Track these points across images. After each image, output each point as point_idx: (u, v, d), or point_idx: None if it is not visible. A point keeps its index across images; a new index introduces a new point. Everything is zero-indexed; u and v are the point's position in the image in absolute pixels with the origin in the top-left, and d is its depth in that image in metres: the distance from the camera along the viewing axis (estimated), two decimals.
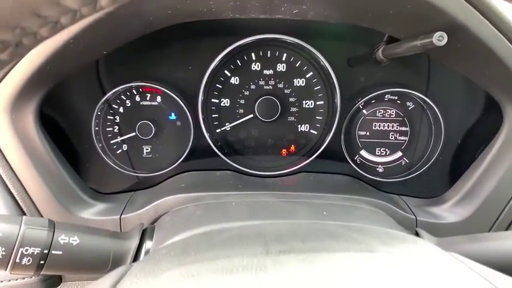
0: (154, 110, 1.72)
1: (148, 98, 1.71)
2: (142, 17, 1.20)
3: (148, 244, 1.10)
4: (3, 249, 0.92)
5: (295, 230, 0.77)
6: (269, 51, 1.72)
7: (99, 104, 1.63)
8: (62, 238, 0.98)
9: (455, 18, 1.06)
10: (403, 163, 1.80)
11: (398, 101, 1.75)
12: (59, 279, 1.40)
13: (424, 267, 0.66)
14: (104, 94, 1.63)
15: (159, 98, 1.71)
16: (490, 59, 1.16)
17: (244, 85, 1.74)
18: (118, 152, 1.73)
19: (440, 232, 1.38)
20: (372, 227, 0.86)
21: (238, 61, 1.72)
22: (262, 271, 0.60)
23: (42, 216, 1.34)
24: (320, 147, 1.75)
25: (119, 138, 1.72)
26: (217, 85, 1.73)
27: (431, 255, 0.72)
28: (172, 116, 1.73)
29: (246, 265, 0.61)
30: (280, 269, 0.60)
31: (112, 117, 1.70)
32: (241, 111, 1.76)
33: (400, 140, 1.79)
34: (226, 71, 1.72)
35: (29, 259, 0.94)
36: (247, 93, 1.75)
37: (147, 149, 1.75)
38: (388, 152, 1.80)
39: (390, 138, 1.79)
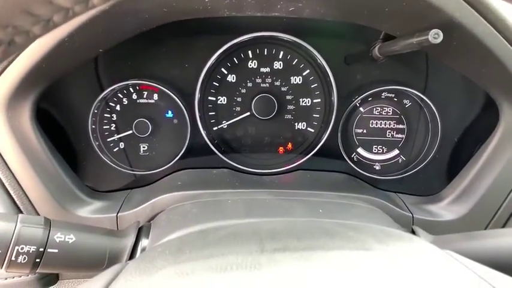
0: (151, 108, 1.71)
1: (145, 96, 1.71)
2: (137, 15, 1.20)
3: (144, 242, 1.10)
4: None
5: (290, 228, 0.77)
6: (266, 49, 1.72)
7: (96, 102, 1.63)
8: (58, 236, 0.98)
9: (451, 16, 1.06)
10: (400, 161, 1.80)
11: (395, 99, 1.75)
12: (56, 277, 1.39)
13: (419, 265, 0.66)
14: (101, 92, 1.63)
15: (155, 96, 1.71)
16: (486, 57, 1.16)
17: (241, 83, 1.74)
18: (115, 150, 1.73)
19: (437, 230, 1.38)
20: (368, 225, 0.87)
21: (235, 59, 1.72)
22: (257, 269, 0.60)
23: (38, 215, 1.34)
24: (317, 145, 1.75)
25: (116, 136, 1.72)
26: (214, 83, 1.73)
27: (426, 254, 0.72)
28: (169, 114, 1.73)
29: (240, 263, 0.61)
30: (274, 267, 0.61)
31: (109, 115, 1.70)
32: (238, 109, 1.76)
33: (397, 137, 1.79)
34: (223, 69, 1.72)
35: (25, 257, 0.94)
36: (244, 91, 1.74)
37: (144, 147, 1.75)
38: (385, 150, 1.81)
39: (387, 136, 1.79)
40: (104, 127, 1.71)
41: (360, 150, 1.80)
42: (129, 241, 1.08)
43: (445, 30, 1.03)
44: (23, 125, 1.30)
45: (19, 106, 1.28)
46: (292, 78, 1.74)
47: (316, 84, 1.74)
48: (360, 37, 1.62)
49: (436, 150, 1.70)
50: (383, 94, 1.74)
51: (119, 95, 1.69)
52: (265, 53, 1.72)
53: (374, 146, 1.80)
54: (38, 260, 0.95)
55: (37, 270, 0.97)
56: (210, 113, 1.76)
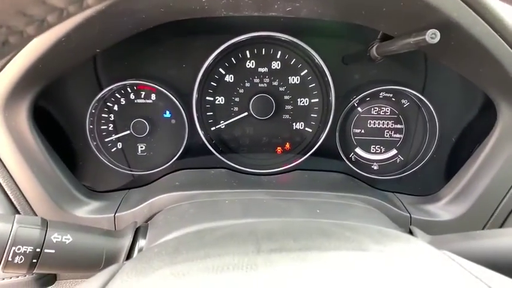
0: (149, 108, 1.71)
1: (142, 96, 1.70)
2: (134, 15, 1.20)
3: (141, 242, 1.10)
4: None
5: (287, 228, 0.77)
6: (263, 49, 1.72)
7: (94, 102, 1.63)
8: (55, 237, 0.98)
9: (449, 16, 1.06)
10: (398, 161, 1.80)
11: (393, 99, 1.75)
12: (54, 278, 1.39)
13: (416, 265, 0.66)
14: (98, 92, 1.63)
15: (153, 96, 1.71)
16: (483, 56, 1.16)
17: (239, 83, 1.74)
18: (113, 150, 1.73)
19: (435, 230, 1.38)
20: (365, 225, 0.86)
21: (232, 59, 1.72)
22: (253, 270, 0.60)
23: (36, 215, 1.34)
24: (315, 145, 1.75)
25: (114, 137, 1.71)
26: (211, 83, 1.73)
27: (423, 254, 0.72)
28: (167, 114, 1.73)
29: (236, 264, 0.61)
30: (271, 268, 0.60)
31: (106, 115, 1.70)
32: (236, 109, 1.76)
33: (395, 137, 1.79)
34: (220, 69, 1.72)
35: (21, 258, 0.93)
36: (241, 91, 1.74)
37: (141, 147, 1.75)
38: (383, 150, 1.81)
39: (385, 135, 1.79)
40: (102, 127, 1.70)
41: (358, 150, 1.80)
42: (126, 241, 1.08)
43: (442, 30, 1.03)
44: (20, 125, 1.30)
45: (16, 106, 1.28)
46: (290, 78, 1.74)
47: (314, 84, 1.74)
48: (357, 37, 1.62)
49: (434, 150, 1.70)
50: (381, 94, 1.74)
51: (117, 95, 1.69)
52: (263, 53, 1.72)
53: (372, 146, 1.80)
54: (34, 261, 0.95)
55: (34, 271, 0.97)
56: (207, 113, 1.76)
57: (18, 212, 1.33)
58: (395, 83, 1.68)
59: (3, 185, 1.31)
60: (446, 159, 1.72)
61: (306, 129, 1.79)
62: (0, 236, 0.93)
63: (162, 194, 1.39)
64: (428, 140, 1.74)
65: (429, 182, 1.69)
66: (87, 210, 1.42)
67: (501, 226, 1.39)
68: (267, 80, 1.73)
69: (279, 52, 1.72)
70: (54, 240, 0.97)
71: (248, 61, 1.72)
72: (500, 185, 1.37)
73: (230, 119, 1.75)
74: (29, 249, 0.94)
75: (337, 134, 1.74)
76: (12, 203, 1.33)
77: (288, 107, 1.76)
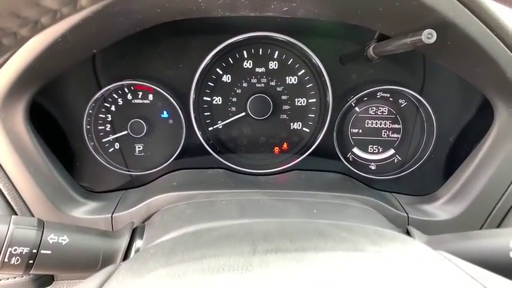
0: (146, 108, 1.71)
1: (140, 96, 1.70)
2: (131, 15, 1.20)
3: (138, 243, 1.10)
4: None
5: (283, 228, 0.77)
6: (261, 49, 1.72)
7: (91, 102, 1.63)
8: (51, 237, 0.97)
9: (445, 16, 1.06)
10: (395, 160, 1.80)
11: (390, 99, 1.75)
12: (51, 278, 1.39)
13: (412, 266, 0.66)
14: (95, 92, 1.63)
15: (150, 96, 1.71)
16: (480, 56, 1.16)
17: (236, 83, 1.74)
18: (110, 150, 1.73)
19: (432, 230, 1.38)
20: (362, 226, 0.86)
21: (230, 59, 1.71)
22: (249, 271, 0.60)
23: (33, 216, 1.34)
24: (312, 145, 1.75)
25: (111, 137, 1.71)
26: (209, 83, 1.73)
27: (419, 255, 0.72)
28: (164, 114, 1.73)
29: (232, 264, 0.61)
30: (266, 269, 0.60)
31: (104, 116, 1.70)
32: (233, 109, 1.76)
33: (393, 137, 1.79)
34: (218, 69, 1.72)
35: (18, 259, 0.93)
36: (239, 91, 1.74)
37: (139, 147, 1.75)
38: (380, 150, 1.81)
39: (383, 135, 1.79)
40: (99, 127, 1.70)
41: (356, 150, 1.80)
42: (123, 242, 1.08)
43: (438, 30, 1.03)
44: (16, 126, 1.30)
45: (12, 107, 1.28)
46: (287, 78, 1.74)
47: (311, 84, 1.74)
48: (354, 37, 1.62)
49: (431, 150, 1.71)
50: (378, 94, 1.74)
51: (114, 95, 1.68)
52: (260, 53, 1.72)
53: (369, 146, 1.80)
54: (31, 262, 0.95)
55: (31, 272, 0.97)
56: (205, 113, 1.76)
57: (15, 213, 1.33)
58: (392, 83, 1.68)
59: (0, 185, 1.31)
60: (443, 159, 1.72)
61: (304, 129, 1.79)
62: None
63: (160, 195, 1.39)
64: (425, 139, 1.74)
65: (427, 182, 1.70)
66: (84, 211, 1.42)
67: (498, 226, 1.39)
68: (265, 80, 1.74)
69: (276, 52, 1.72)
70: (51, 241, 0.97)
71: (245, 61, 1.72)
72: (498, 184, 1.37)
73: (228, 119, 1.75)
74: (26, 250, 0.94)
75: (334, 134, 1.74)
76: (9, 203, 1.32)
77: (286, 107, 1.76)
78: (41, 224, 0.99)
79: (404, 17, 1.15)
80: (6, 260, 0.92)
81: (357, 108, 1.76)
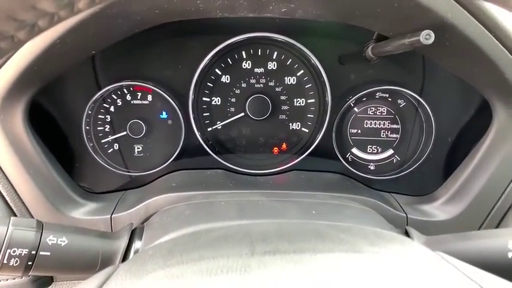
0: (145, 109, 1.71)
1: (139, 97, 1.70)
2: (129, 17, 1.20)
3: (137, 244, 1.10)
4: None
5: (282, 230, 0.77)
6: (260, 50, 1.72)
7: (90, 103, 1.63)
8: (50, 239, 0.97)
9: (443, 17, 1.06)
10: (394, 161, 1.81)
11: (389, 99, 1.75)
12: (50, 279, 1.39)
13: (409, 267, 0.66)
14: (95, 93, 1.63)
15: (149, 97, 1.71)
16: (478, 57, 1.16)
17: (235, 83, 1.74)
18: (109, 151, 1.73)
19: (431, 230, 1.38)
20: (360, 227, 0.86)
21: (228, 59, 1.72)
22: (247, 272, 0.60)
23: (32, 217, 1.34)
24: (311, 145, 1.75)
25: (110, 138, 1.71)
26: (208, 84, 1.73)
27: (417, 256, 0.72)
28: (163, 115, 1.73)
29: (230, 266, 0.61)
30: (264, 270, 0.60)
31: (103, 117, 1.70)
32: (232, 109, 1.76)
33: (392, 137, 1.79)
34: (217, 70, 1.72)
35: (17, 260, 0.93)
36: (238, 91, 1.74)
37: (138, 148, 1.75)
38: (379, 150, 1.81)
39: (382, 135, 1.79)
40: (98, 128, 1.70)
41: (355, 150, 1.80)
42: (122, 243, 1.07)
43: (436, 31, 1.03)
44: (15, 128, 1.30)
45: (11, 108, 1.28)
46: (286, 78, 1.74)
47: (310, 85, 1.74)
48: (353, 37, 1.61)
49: (430, 150, 1.71)
50: (377, 94, 1.74)
51: (113, 96, 1.69)
52: (259, 54, 1.72)
53: (368, 146, 1.80)
54: (30, 263, 0.95)
55: (30, 273, 0.97)
56: (204, 114, 1.76)
57: (14, 214, 1.33)
58: (391, 83, 1.68)
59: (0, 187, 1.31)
60: (442, 159, 1.73)
61: (303, 129, 1.79)
62: None
63: (159, 195, 1.39)
64: (424, 140, 1.74)
65: (425, 182, 1.70)
66: (83, 212, 1.42)
67: (497, 226, 1.39)
68: (263, 81, 1.74)
69: (275, 53, 1.72)
70: (50, 243, 0.97)
71: (244, 62, 1.72)
72: (496, 185, 1.37)
73: (226, 119, 1.75)
74: (24, 251, 0.94)
75: (333, 134, 1.75)
76: (8, 205, 1.32)
77: (285, 108, 1.76)
78: (40, 226, 0.98)
79: (403, 18, 1.15)
80: (5, 261, 0.92)
81: (355, 109, 1.76)
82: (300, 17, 1.33)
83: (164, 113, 1.73)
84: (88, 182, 1.66)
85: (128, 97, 1.70)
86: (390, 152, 1.80)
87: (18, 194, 1.33)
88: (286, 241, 0.70)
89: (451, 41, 1.14)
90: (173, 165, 1.72)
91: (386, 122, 1.77)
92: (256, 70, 1.73)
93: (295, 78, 1.74)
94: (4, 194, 1.32)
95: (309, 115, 1.78)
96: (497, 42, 1.13)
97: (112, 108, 1.70)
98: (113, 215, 1.40)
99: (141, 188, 1.65)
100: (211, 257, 0.65)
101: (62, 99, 1.61)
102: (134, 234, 1.13)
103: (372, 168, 1.82)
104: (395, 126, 1.78)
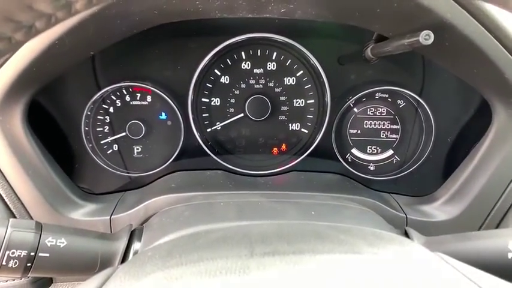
0: (145, 109, 1.71)
1: (138, 98, 1.70)
2: (128, 17, 1.20)
3: (136, 245, 1.10)
4: None
5: (281, 231, 0.77)
6: (259, 50, 1.71)
7: (89, 103, 1.63)
8: (49, 240, 0.97)
9: (442, 17, 1.06)
10: (394, 161, 1.80)
11: (389, 99, 1.75)
12: (50, 281, 1.39)
13: (409, 268, 0.66)
14: (94, 94, 1.62)
15: (149, 98, 1.70)
16: (478, 58, 1.16)
17: (235, 84, 1.74)
18: (108, 152, 1.73)
19: (431, 230, 1.38)
20: (360, 228, 0.86)
21: (228, 60, 1.71)
22: (246, 273, 0.60)
23: (32, 218, 1.34)
24: (311, 146, 1.75)
25: (109, 138, 1.71)
26: (207, 84, 1.73)
27: (416, 257, 0.72)
28: (163, 116, 1.73)
29: (229, 267, 0.61)
30: (263, 271, 0.60)
31: (102, 117, 1.70)
32: (232, 110, 1.75)
33: (391, 138, 1.79)
34: (216, 70, 1.72)
35: (16, 262, 0.93)
36: (237, 92, 1.74)
37: (137, 149, 1.75)
38: (379, 150, 1.81)
39: (381, 136, 1.79)
40: (97, 129, 1.70)
41: (354, 150, 1.80)
42: (121, 244, 1.07)
43: (436, 31, 1.03)
44: (14, 129, 1.30)
45: (10, 109, 1.28)
46: (285, 79, 1.74)
47: (309, 85, 1.74)
48: (353, 37, 1.62)
49: (430, 150, 1.70)
50: (377, 95, 1.74)
51: (112, 97, 1.68)
52: (259, 54, 1.72)
53: (368, 147, 1.80)
54: (29, 265, 0.95)
55: (29, 275, 0.96)
56: (203, 115, 1.76)
57: (13, 216, 1.33)
58: (391, 84, 1.68)
59: None
60: (442, 159, 1.73)
61: (302, 130, 1.79)
62: None
63: (158, 196, 1.39)
64: (424, 140, 1.74)
65: (425, 183, 1.69)
66: (83, 213, 1.42)
67: (497, 226, 1.39)
68: (263, 81, 1.73)
69: (275, 53, 1.72)
70: (49, 244, 0.97)
71: (243, 62, 1.72)
72: (496, 185, 1.37)
73: (226, 120, 1.75)
74: (23, 253, 0.94)
75: (333, 134, 1.74)
76: (7, 206, 1.32)
77: (284, 108, 1.76)
78: (39, 227, 0.98)
79: (402, 18, 1.15)
80: (4, 263, 0.92)
81: (355, 109, 1.76)
82: (299, 18, 1.33)
83: (163, 113, 1.72)
84: (87, 183, 1.66)
85: (127, 98, 1.70)
86: (390, 152, 1.80)
87: (17, 195, 1.33)
88: (286, 242, 0.70)
89: (450, 41, 1.14)
90: (172, 166, 1.72)
91: (386, 123, 1.77)
92: (256, 71, 1.73)
93: (294, 78, 1.74)
94: (3, 195, 1.31)
95: (308, 116, 1.77)
96: (496, 42, 1.12)
97: (111, 109, 1.70)
98: (112, 216, 1.40)
99: (141, 189, 1.65)
100: (211, 258, 0.65)
101: (61, 100, 1.61)
102: (133, 235, 1.13)
103: (372, 168, 1.81)
104: (395, 126, 1.77)
